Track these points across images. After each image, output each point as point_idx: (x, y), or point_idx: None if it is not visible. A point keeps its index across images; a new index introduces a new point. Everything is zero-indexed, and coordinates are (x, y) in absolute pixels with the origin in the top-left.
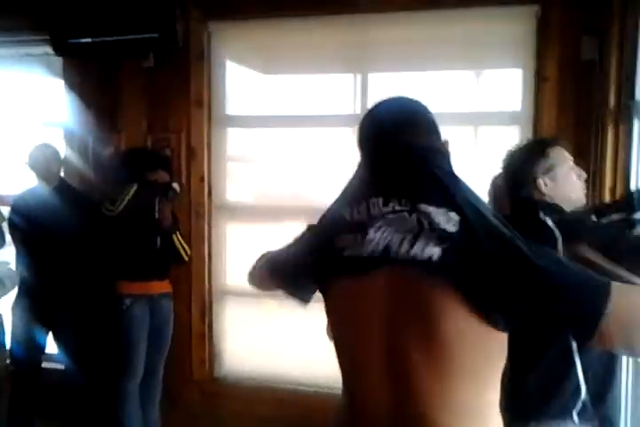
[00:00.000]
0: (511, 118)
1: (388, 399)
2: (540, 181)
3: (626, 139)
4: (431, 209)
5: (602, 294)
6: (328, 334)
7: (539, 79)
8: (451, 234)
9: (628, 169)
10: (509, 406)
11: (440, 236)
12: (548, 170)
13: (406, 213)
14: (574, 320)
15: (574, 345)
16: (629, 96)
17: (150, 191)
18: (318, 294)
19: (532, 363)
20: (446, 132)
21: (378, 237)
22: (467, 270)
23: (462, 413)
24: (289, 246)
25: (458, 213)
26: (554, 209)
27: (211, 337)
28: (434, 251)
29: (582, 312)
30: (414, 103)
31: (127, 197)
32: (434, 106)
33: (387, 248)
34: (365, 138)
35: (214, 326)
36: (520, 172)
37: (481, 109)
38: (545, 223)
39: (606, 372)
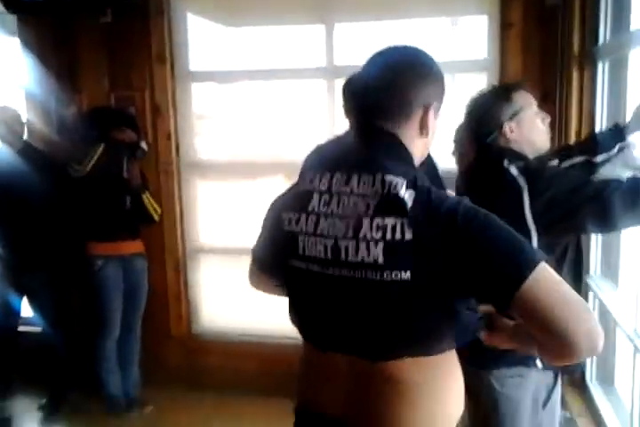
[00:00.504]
0: (478, 65)
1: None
2: (506, 127)
3: (590, 83)
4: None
5: (524, 266)
6: None
7: (503, 25)
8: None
9: (592, 112)
10: (471, 355)
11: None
12: (514, 115)
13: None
14: (494, 286)
15: None
16: (593, 41)
17: (118, 150)
18: None
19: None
20: None
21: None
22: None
23: (424, 367)
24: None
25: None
26: (518, 157)
27: (187, 294)
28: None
29: (502, 279)
30: (401, 66)
31: (95, 157)
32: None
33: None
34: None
35: (189, 283)
36: (485, 118)
37: (448, 57)
38: (508, 172)
39: None
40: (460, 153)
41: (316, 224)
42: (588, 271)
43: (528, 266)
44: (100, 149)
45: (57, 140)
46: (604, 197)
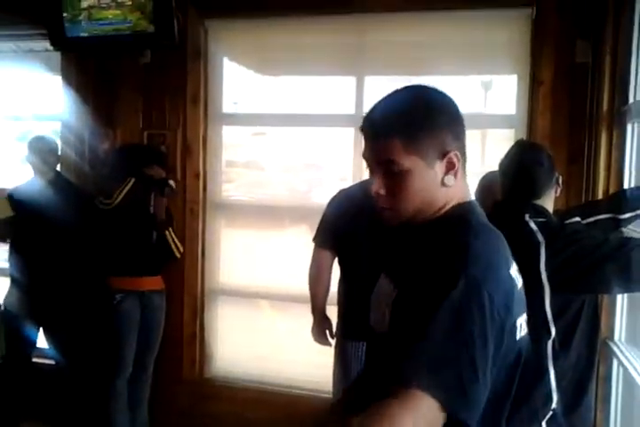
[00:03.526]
0: (507, 122)
1: None
2: (557, 188)
3: (619, 143)
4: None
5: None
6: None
7: (533, 83)
8: None
9: (621, 173)
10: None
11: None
12: (558, 177)
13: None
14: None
15: (549, 354)
16: (622, 100)
17: (146, 186)
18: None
19: None
20: None
21: None
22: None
23: None
24: None
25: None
26: (540, 212)
27: (202, 337)
28: None
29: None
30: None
31: (124, 192)
32: None
33: None
34: None
35: (206, 325)
36: (545, 172)
37: (478, 111)
38: (528, 226)
39: (581, 382)
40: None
41: None
42: (612, 337)
43: (397, 379)
44: (130, 184)
45: (88, 173)
46: (623, 255)
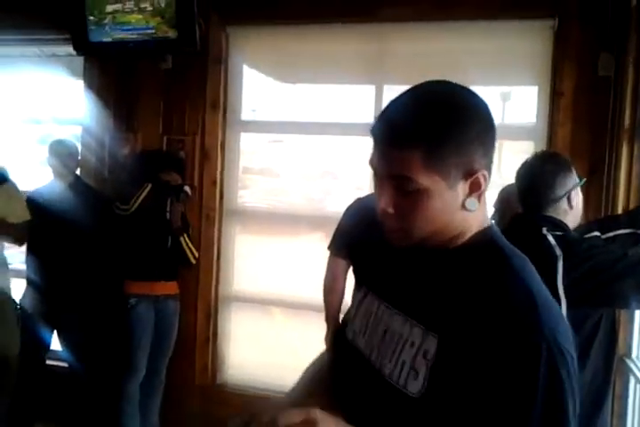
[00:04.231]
0: (527, 133)
1: None
2: (573, 196)
3: None
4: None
5: None
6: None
7: (554, 94)
8: None
9: None
10: None
11: None
12: (575, 186)
13: None
14: None
15: None
16: None
17: (163, 192)
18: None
19: None
20: None
21: None
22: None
23: None
24: None
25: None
26: (558, 226)
27: (215, 343)
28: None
29: None
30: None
31: (141, 197)
32: None
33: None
34: None
35: (219, 331)
36: (553, 185)
37: (498, 122)
38: (546, 239)
39: (597, 398)
40: (499, 211)
41: None
42: (629, 354)
43: None
44: (147, 190)
45: (107, 177)
46: (639, 271)
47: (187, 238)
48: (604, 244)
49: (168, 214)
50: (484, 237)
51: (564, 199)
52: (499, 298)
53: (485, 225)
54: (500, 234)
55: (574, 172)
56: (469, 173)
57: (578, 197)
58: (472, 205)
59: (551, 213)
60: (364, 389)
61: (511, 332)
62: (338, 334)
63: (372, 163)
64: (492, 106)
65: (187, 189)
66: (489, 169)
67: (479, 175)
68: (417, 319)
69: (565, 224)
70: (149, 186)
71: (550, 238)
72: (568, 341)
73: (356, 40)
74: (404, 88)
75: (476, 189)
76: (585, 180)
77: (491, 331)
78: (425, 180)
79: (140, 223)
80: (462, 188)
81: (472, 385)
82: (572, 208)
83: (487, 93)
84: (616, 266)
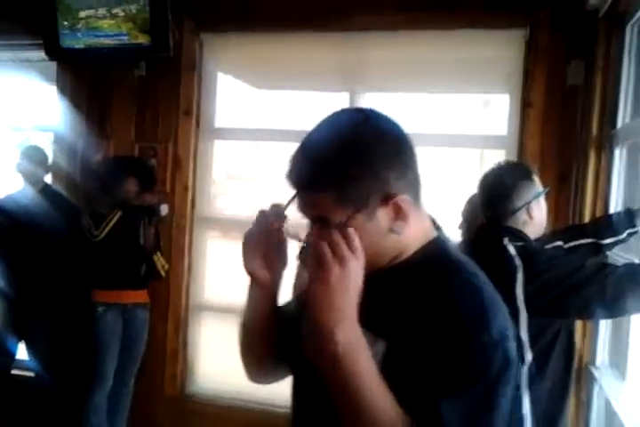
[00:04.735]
0: (497, 142)
1: None
2: (533, 206)
3: (607, 166)
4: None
5: None
6: None
7: (524, 105)
8: None
9: (607, 197)
10: None
11: None
12: (537, 196)
13: None
14: None
15: (525, 380)
16: (611, 124)
17: (134, 217)
18: None
19: None
20: (430, 154)
21: None
22: None
23: None
24: None
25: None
26: (519, 237)
27: (185, 353)
28: None
29: None
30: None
31: (111, 223)
32: (421, 127)
33: None
34: None
35: (189, 341)
36: (509, 195)
37: (467, 132)
38: (507, 250)
39: (555, 409)
40: (466, 222)
41: None
42: (594, 362)
43: None
44: (117, 217)
45: (79, 184)
46: (598, 281)
47: (159, 256)
48: (565, 254)
49: (142, 239)
50: (425, 251)
51: (523, 210)
52: (443, 300)
53: (428, 240)
54: (446, 244)
55: (536, 181)
56: (386, 199)
57: (539, 208)
58: (400, 229)
59: (511, 223)
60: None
61: (459, 329)
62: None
63: (298, 207)
64: (465, 115)
65: (163, 208)
66: (412, 189)
67: (397, 200)
68: (366, 328)
69: (526, 235)
70: (119, 213)
71: (511, 249)
72: (508, 329)
73: (329, 47)
74: (377, 95)
75: (399, 212)
76: (548, 189)
77: (438, 326)
78: (342, 217)
79: (110, 249)
80: (385, 214)
81: (417, 380)
82: (531, 218)
83: (460, 102)
84: (573, 277)
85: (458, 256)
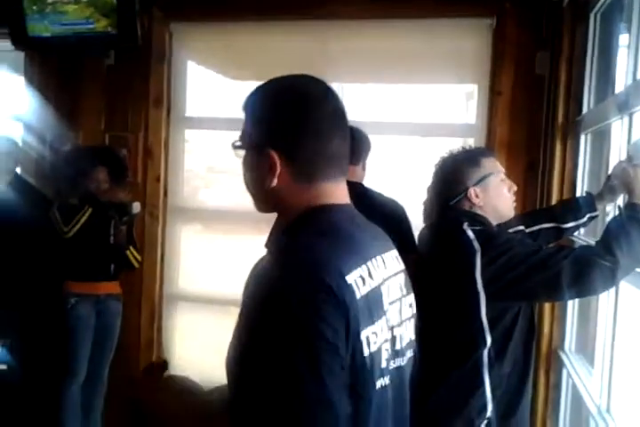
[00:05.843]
0: (466, 130)
1: None
2: (471, 191)
3: (573, 152)
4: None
5: None
6: None
7: (493, 93)
8: None
9: (574, 182)
10: (413, 423)
11: None
12: (480, 180)
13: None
14: None
15: (485, 363)
16: (576, 111)
17: (105, 214)
18: None
19: (441, 380)
20: (400, 143)
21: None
22: None
23: None
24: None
25: None
26: (479, 221)
27: (159, 343)
28: None
29: None
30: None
31: (81, 221)
32: (390, 116)
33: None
34: None
35: (163, 331)
36: (452, 180)
37: (438, 120)
38: (466, 234)
39: (515, 393)
40: (426, 210)
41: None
42: (562, 347)
43: None
44: (87, 214)
45: (48, 175)
46: (553, 264)
47: (132, 250)
48: (522, 238)
49: (112, 238)
50: (296, 220)
51: (464, 195)
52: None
53: (311, 206)
54: (312, 217)
55: (485, 166)
56: (261, 149)
57: (485, 193)
58: (266, 180)
59: (462, 205)
60: None
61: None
62: None
63: None
64: (434, 103)
65: (135, 206)
66: (290, 150)
67: (269, 153)
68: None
69: (486, 218)
70: (90, 210)
71: (469, 233)
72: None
73: (300, 37)
74: (348, 85)
75: (271, 165)
76: (494, 173)
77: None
78: (242, 145)
79: (79, 246)
80: (263, 162)
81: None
82: (473, 204)
83: (429, 91)
84: (529, 260)
85: (324, 224)
